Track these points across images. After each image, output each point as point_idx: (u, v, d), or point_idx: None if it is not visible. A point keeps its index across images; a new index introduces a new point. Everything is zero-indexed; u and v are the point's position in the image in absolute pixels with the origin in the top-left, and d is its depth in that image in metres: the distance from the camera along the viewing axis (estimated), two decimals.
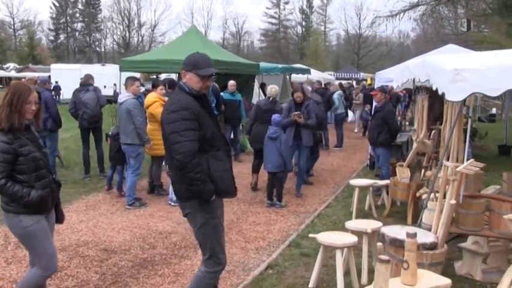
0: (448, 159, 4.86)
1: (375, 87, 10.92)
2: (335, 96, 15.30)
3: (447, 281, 3.37)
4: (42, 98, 9.21)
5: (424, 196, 5.71)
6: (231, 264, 5.18)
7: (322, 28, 69.14)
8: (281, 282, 4.82)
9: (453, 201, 4.53)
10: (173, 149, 3.41)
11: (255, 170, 8.73)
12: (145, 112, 7.68)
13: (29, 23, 65.02)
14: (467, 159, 4.77)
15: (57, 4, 68.36)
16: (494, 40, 18.78)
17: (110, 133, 8.07)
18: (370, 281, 3.62)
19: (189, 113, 3.42)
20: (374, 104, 9.47)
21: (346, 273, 4.70)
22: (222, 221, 3.79)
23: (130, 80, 7.50)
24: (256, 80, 15.05)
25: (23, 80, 12.45)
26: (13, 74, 44.06)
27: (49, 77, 24.67)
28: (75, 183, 8.78)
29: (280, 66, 19.41)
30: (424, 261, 4.04)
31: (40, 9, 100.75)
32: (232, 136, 11.43)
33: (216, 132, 3.62)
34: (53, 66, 33.80)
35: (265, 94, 15.80)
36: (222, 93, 10.91)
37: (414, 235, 3.32)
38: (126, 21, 68.09)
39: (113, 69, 26.66)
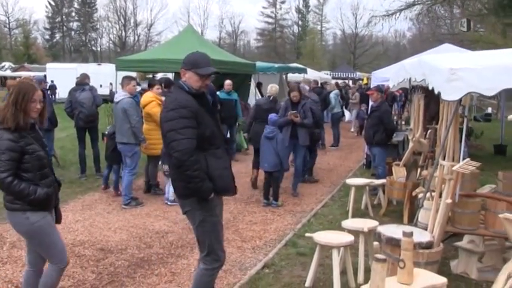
0: (444, 159, 4.88)
1: (371, 86, 10.94)
2: (331, 95, 15.31)
3: (443, 279, 3.38)
4: None
5: (420, 195, 5.73)
6: (227, 263, 5.17)
7: (319, 27, 69.16)
8: (277, 282, 4.82)
9: (449, 201, 4.54)
10: (171, 146, 3.42)
11: (255, 166, 8.74)
12: (141, 111, 7.67)
13: (24, 22, 64.79)
14: (463, 159, 4.80)
15: (52, 3, 68.16)
16: (490, 40, 18.84)
17: (106, 132, 8.06)
18: (367, 280, 3.64)
19: (187, 111, 3.43)
20: (370, 103, 9.49)
21: (343, 273, 4.70)
22: (221, 218, 3.81)
23: (126, 80, 7.49)
24: (252, 80, 15.05)
25: (17, 79, 12.41)
26: (8, 73, 43.95)
27: (45, 76, 24.66)
28: (71, 183, 8.76)
29: (276, 65, 19.41)
30: (420, 260, 4.05)
31: (35, 8, 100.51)
32: (228, 135, 11.42)
33: (216, 131, 3.64)
34: (49, 65, 33.71)
35: (261, 93, 15.84)
36: (218, 93, 10.90)
37: (410, 234, 3.33)
38: (122, 20, 68.00)
39: (109, 68, 26.59)
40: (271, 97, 8.98)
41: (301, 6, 69.32)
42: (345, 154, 13.23)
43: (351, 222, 5.24)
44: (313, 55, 58.42)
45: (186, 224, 6.44)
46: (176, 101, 3.49)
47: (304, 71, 22.11)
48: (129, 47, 65.19)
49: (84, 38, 70.42)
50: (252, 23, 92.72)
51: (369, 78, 25.62)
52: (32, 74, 23.04)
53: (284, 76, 20.42)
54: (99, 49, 71.81)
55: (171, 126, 3.43)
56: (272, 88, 9.21)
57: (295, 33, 70.85)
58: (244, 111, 12.38)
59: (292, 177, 8.59)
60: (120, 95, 7.44)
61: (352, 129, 18.13)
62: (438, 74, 4.39)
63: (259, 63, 17.07)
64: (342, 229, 5.07)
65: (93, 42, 71.71)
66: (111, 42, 70.77)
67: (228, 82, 11.14)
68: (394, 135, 8.72)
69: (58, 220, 3.85)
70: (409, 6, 16.35)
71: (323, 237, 4.66)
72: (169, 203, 7.48)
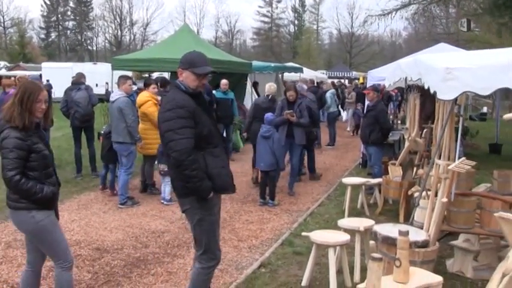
0: (439, 158, 4.89)
1: (367, 86, 10.95)
2: (328, 95, 15.32)
3: (439, 278, 3.39)
4: None
5: (416, 194, 5.75)
6: (223, 263, 5.18)
7: (315, 27, 69.13)
8: (274, 281, 4.82)
9: (445, 200, 4.55)
10: (169, 146, 3.44)
11: (255, 164, 8.74)
12: (137, 111, 7.66)
13: (19, 21, 64.43)
14: (459, 158, 4.81)
15: (48, 2, 67.87)
16: (485, 39, 18.92)
17: (102, 132, 8.05)
18: (363, 279, 3.64)
19: (184, 111, 3.44)
20: (366, 102, 9.51)
21: (339, 272, 4.71)
22: (219, 217, 3.84)
23: (122, 79, 7.48)
24: (248, 79, 15.05)
25: (12, 78, 12.35)
26: (3, 72, 43.65)
27: (40, 75, 24.48)
28: (67, 183, 8.72)
29: (272, 65, 19.38)
30: (416, 259, 4.07)
31: (31, 7, 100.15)
32: (224, 135, 11.42)
33: (213, 130, 3.65)
34: (44, 64, 33.53)
35: (257, 93, 15.82)
36: (214, 92, 10.89)
37: (406, 233, 3.34)
38: (118, 19, 67.76)
39: (104, 67, 26.48)
40: (270, 96, 8.99)
41: (297, 5, 69.31)
42: (341, 153, 13.25)
43: (347, 221, 5.25)
44: (309, 54, 58.37)
45: (182, 223, 6.44)
46: (174, 101, 3.50)
47: (300, 70, 22.10)
48: (125, 46, 65.00)
49: (79, 37, 70.17)
50: (248, 22, 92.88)
51: (365, 78, 25.64)
52: (27, 73, 22.93)
53: (280, 75, 20.41)
54: (94, 48, 71.55)
55: (168, 127, 3.44)
56: (271, 87, 9.22)
57: (291, 32, 70.80)
58: (239, 111, 12.39)
59: (288, 177, 8.60)
60: (116, 94, 7.43)
61: (348, 129, 18.15)
62: (434, 73, 4.40)
63: (255, 63, 17.05)
64: (338, 228, 5.07)
65: (88, 41, 71.44)
66: (107, 41, 70.53)
67: (224, 81, 11.13)
68: (390, 134, 8.74)
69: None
70: (404, 5, 16.39)
71: (319, 236, 4.67)
72: (165, 203, 7.48)
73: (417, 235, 4.32)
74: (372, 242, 4.03)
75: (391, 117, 12.35)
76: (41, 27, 69.26)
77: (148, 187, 8.19)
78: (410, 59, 6.22)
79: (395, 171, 7.37)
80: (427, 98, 7.80)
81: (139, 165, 8.27)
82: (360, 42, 61.99)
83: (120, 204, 7.33)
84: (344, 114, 20.66)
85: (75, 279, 4.75)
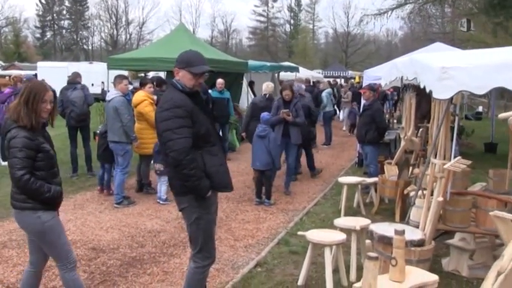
0: (435, 157, 4.90)
1: (363, 85, 10.97)
2: (324, 94, 15.33)
3: (434, 277, 3.40)
4: None
5: (412, 193, 5.76)
6: (220, 262, 5.19)
7: (311, 26, 69.15)
8: (270, 280, 4.82)
9: (440, 199, 4.57)
10: (167, 146, 3.44)
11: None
12: (133, 110, 7.64)
13: (14, 20, 64.09)
14: (454, 157, 4.82)
15: (43, 1, 67.54)
16: (481, 39, 18.99)
17: (98, 131, 8.03)
18: (359, 278, 3.65)
19: (182, 110, 3.44)
20: (362, 102, 9.52)
21: (335, 271, 4.72)
22: (216, 216, 3.84)
23: (118, 78, 7.46)
24: (244, 78, 15.04)
25: (6, 78, 12.31)
26: None
27: (36, 74, 24.45)
28: (63, 182, 8.67)
29: (268, 64, 19.39)
30: (412, 258, 4.07)
31: (26, 6, 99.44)
32: (220, 134, 11.42)
33: (211, 129, 3.66)
34: (40, 64, 33.39)
35: (253, 92, 15.83)
36: (210, 91, 10.88)
37: (402, 232, 3.34)
38: (114, 18, 67.52)
39: (100, 67, 26.44)
40: (267, 95, 9.00)
41: (293, 4, 69.29)
42: (337, 152, 13.27)
43: (343, 221, 5.26)
44: (305, 54, 58.43)
45: (178, 223, 6.44)
46: (171, 101, 3.50)
47: (296, 69, 22.12)
48: (121, 46, 64.81)
49: (75, 37, 69.88)
50: (244, 22, 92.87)
51: (360, 77, 25.67)
52: (22, 72, 22.82)
53: (276, 75, 20.43)
54: (90, 48, 71.24)
55: (166, 126, 3.44)
56: (268, 86, 9.25)
57: (287, 31, 70.76)
58: (235, 111, 12.40)
59: (284, 176, 8.60)
60: (112, 93, 7.41)
61: (344, 128, 18.17)
62: (430, 72, 4.41)
63: (251, 62, 17.06)
64: (334, 227, 5.08)
65: (84, 40, 71.16)
66: (102, 40, 70.34)
67: (220, 81, 11.13)
68: (386, 133, 8.76)
69: None
70: (400, 5, 16.45)
71: (315, 235, 4.67)
72: (161, 202, 7.47)
73: (413, 234, 4.33)
74: (368, 241, 4.03)
75: (387, 116, 12.36)
76: (36, 27, 68.93)
77: (144, 187, 8.18)
78: (406, 58, 6.23)
79: (391, 171, 7.38)
80: (423, 97, 7.80)
81: (135, 165, 8.26)
82: (356, 41, 62.02)
83: (116, 204, 7.32)
84: (340, 114, 20.68)
85: None
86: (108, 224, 6.53)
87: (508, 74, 3.97)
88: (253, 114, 8.78)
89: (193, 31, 61.46)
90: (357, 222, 5.10)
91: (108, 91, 8.91)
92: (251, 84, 16.27)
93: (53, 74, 28.32)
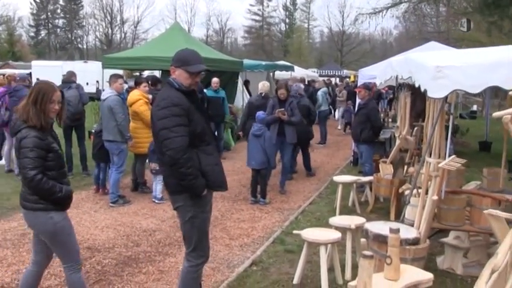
0: (430, 156, 4.92)
1: (358, 84, 10.99)
2: (319, 93, 15.35)
3: (429, 275, 3.42)
4: (22, 95, 9.11)
5: (407, 192, 5.77)
6: (215, 261, 5.19)
7: (306, 25, 69.14)
8: (265, 279, 4.83)
9: (435, 197, 4.58)
10: (164, 144, 3.42)
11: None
12: (127, 109, 7.62)
13: (8, 18, 63.73)
14: (449, 156, 4.84)
15: (37, 0, 67.31)
16: (475, 38, 19.06)
17: (93, 130, 8.01)
18: (354, 276, 3.66)
19: (179, 109, 3.43)
20: (357, 101, 9.54)
21: (330, 269, 4.73)
22: (210, 215, 3.85)
23: (113, 77, 7.45)
24: (239, 78, 15.04)
25: (0, 77, 12.24)
26: None
27: (30, 73, 24.34)
28: None
29: (263, 63, 19.39)
30: (406, 256, 4.09)
31: (20, 4, 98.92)
32: (216, 133, 11.41)
33: (206, 128, 3.66)
34: (34, 63, 33.27)
35: (249, 91, 15.82)
36: (205, 90, 10.88)
37: (397, 231, 3.35)
38: (109, 17, 67.27)
39: (95, 66, 26.35)
40: (263, 94, 9.02)
41: (288, 4, 69.24)
42: (332, 151, 13.28)
43: (338, 219, 5.27)
44: (300, 53, 58.45)
45: (173, 222, 6.43)
46: (168, 99, 3.48)
47: (291, 68, 22.13)
48: (116, 45, 64.61)
49: (70, 36, 69.58)
50: (239, 21, 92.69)
51: (355, 76, 25.69)
52: (17, 71, 22.69)
53: (271, 74, 20.42)
54: (85, 47, 71.04)
55: (163, 125, 3.43)
56: (264, 85, 9.27)
57: (282, 31, 70.74)
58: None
59: (279, 175, 8.61)
60: (107, 92, 7.40)
61: (339, 127, 18.20)
62: (424, 71, 4.43)
63: (246, 61, 17.05)
64: (330, 226, 5.09)
65: (79, 39, 70.87)
66: (97, 39, 70.06)
67: (215, 80, 11.12)
68: (381, 132, 8.78)
69: None
70: (395, 4, 16.48)
71: (311, 234, 4.68)
72: (156, 201, 7.46)
73: (408, 232, 4.35)
74: (363, 240, 4.03)
75: (381, 115, 12.38)
76: (30, 25, 68.60)
77: (140, 186, 8.17)
78: (401, 58, 6.25)
79: (386, 169, 7.40)
80: (418, 96, 7.83)
81: (130, 164, 8.24)
82: (351, 40, 62.09)
83: (111, 203, 7.30)
84: (336, 113, 20.69)
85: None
86: (103, 223, 6.52)
87: (502, 73, 3.99)
88: (250, 114, 8.79)
89: (189, 30, 61.38)
90: (352, 221, 5.12)
91: (103, 90, 8.89)
92: (246, 83, 16.26)
93: (48, 73, 28.17)
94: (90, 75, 26.41)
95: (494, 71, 4.02)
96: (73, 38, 69.76)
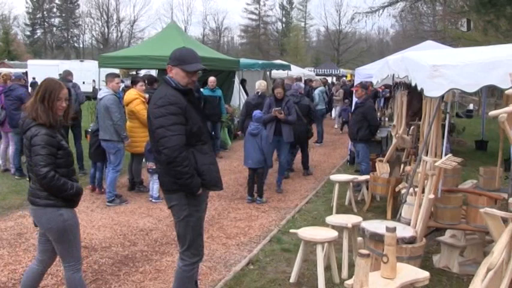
0: (426, 154, 4.93)
1: (355, 83, 11.01)
2: (316, 92, 15.35)
3: (425, 274, 3.43)
4: (17, 94, 9.08)
5: (403, 191, 5.79)
6: (212, 260, 5.19)
7: (302, 24, 69.13)
8: (262, 278, 4.83)
9: (432, 196, 4.60)
10: (160, 143, 3.42)
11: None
12: (124, 108, 7.61)
13: (3, 17, 63.60)
14: (446, 154, 4.85)
15: None
16: (471, 37, 19.08)
17: (90, 130, 7.99)
18: (351, 275, 3.66)
19: (176, 107, 3.43)
20: (354, 99, 9.55)
21: (327, 268, 4.74)
22: (205, 214, 3.84)
23: (110, 76, 7.43)
24: (236, 77, 15.04)
25: None
26: None
27: (26, 73, 24.30)
28: None
29: (260, 62, 19.40)
30: (403, 255, 4.10)
31: (15, 3, 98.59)
32: (212, 133, 11.41)
33: (202, 127, 3.65)
34: (30, 62, 33.19)
35: (245, 90, 15.82)
36: (202, 90, 10.87)
37: (393, 229, 3.36)
38: (105, 16, 67.12)
39: (91, 65, 26.33)
40: (260, 93, 9.02)
41: (285, 3, 69.22)
42: (329, 150, 13.29)
43: (335, 218, 5.27)
44: (297, 52, 58.46)
45: (170, 221, 6.42)
46: (165, 97, 3.47)
47: (288, 67, 22.13)
48: (112, 44, 64.48)
49: (66, 35, 69.38)
50: (236, 20, 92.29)
51: (352, 75, 25.69)
52: (12, 71, 22.62)
53: (268, 73, 20.42)
54: (81, 46, 70.87)
55: (160, 123, 3.42)
56: (261, 84, 9.30)
57: (279, 30, 70.71)
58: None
59: (276, 174, 8.61)
60: (104, 91, 7.38)
61: (336, 126, 18.21)
62: (421, 70, 4.43)
63: (243, 60, 17.04)
64: (326, 225, 5.10)
65: (75, 38, 70.67)
66: (93, 38, 69.90)
67: (212, 79, 11.11)
68: (378, 131, 8.79)
69: None
70: (392, 3, 16.49)
71: (307, 233, 4.68)
72: (153, 201, 7.45)
73: (404, 231, 4.36)
74: (359, 239, 4.05)
75: (378, 114, 12.40)
76: (26, 24, 68.37)
77: (136, 185, 8.16)
78: (397, 57, 6.25)
79: (382, 168, 7.42)
80: (414, 95, 7.85)
81: (127, 163, 8.23)
82: (348, 39, 62.12)
83: (108, 202, 7.29)
84: (333, 112, 20.70)
85: (62, 278, 4.70)
86: (100, 222, 6.51)
87: (498, 72, 4.00)
88: (247, 113, 8.79)
89: (185, 29, 61.30)
90: (349, 219, 5.12)
91: (100, 89, 8.87)
92: (243, 82, 16.27)
93: (44, 72, 28.10)
94: (87, 74, 26.38)
95: (491, 70, 4.03)
96: (69, 37, 69.58)
